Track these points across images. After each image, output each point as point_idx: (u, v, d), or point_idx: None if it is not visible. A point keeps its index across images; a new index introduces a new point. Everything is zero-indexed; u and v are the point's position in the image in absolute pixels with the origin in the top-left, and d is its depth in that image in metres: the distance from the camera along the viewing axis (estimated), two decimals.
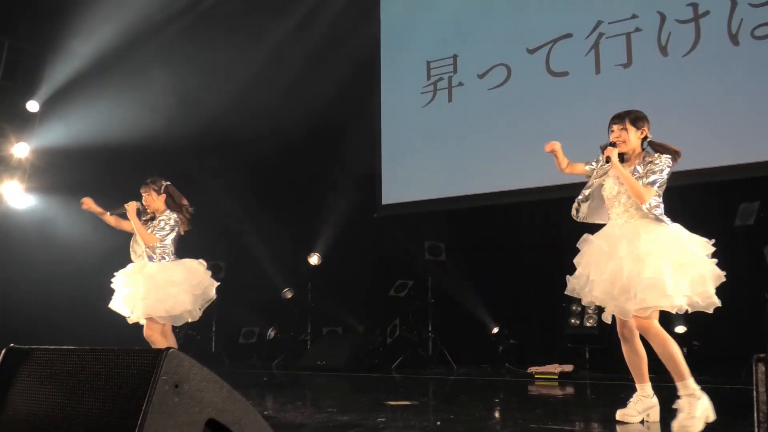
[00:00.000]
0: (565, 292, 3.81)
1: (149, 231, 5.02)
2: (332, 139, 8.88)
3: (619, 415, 3.66)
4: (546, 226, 7.61)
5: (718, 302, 3.41)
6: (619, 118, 3.70)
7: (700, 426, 3.32)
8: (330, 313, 8.67)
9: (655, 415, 3.66)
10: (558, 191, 7.43)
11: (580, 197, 3.85)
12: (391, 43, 8.79)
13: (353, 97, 8.82)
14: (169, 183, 5.18)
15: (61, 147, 8.78)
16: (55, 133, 8.82)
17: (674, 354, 3.40)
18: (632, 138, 3.67)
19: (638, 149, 3.69)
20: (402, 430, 3.69)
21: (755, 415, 1.62)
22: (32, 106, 8.73)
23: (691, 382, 3.39)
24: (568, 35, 7.53)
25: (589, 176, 3.86)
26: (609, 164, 3.64)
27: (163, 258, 5.05)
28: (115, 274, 5.18)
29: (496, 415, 4.56)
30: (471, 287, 7.91)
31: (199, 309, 5.10)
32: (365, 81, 8.82)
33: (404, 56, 8.62)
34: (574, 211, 3.88)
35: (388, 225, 8.54)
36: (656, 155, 3.62)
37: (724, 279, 3.44)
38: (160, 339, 4.97)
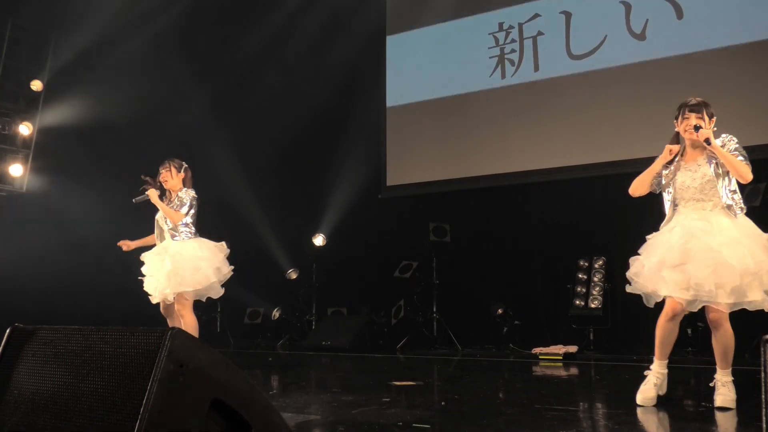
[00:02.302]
0: (628, 277, 3.72)
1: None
2: (338, 120, 8.86)
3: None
4: (551, 207, 7.59)
5: None
6: (697, 107, 3.62)
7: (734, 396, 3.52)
8: (335, 293, 8.69)
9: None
10: (563, 173, 7.42)
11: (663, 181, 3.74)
12: (397, 24, 8.71)
13: (360, 79, 8.79)
14: (187, 166, 5.26)
15: (66, 127, 8.76)
16: (60, 113, 8.79)
17: (732, 347, 3.51)
18: (708, 128, 3.61)
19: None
20: (406, 410, 3.70)
21: (762, 396, 1.61)
22: (36, 85, 8.69)
23: (730, 370, 3.54)
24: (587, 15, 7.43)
25: (661, 186, 3.78)
26: (678, 157, 3.64)
27: (188, 236, 5.11)
28: (142, 258, 5.26)
29: (501, 395, 4.56)
30: (475, 268, 7.91)
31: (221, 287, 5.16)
32: (371, 63, 8.77)
33: (410, 37, 8.55)
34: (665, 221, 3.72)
35: (393, 206, 8.52)
36: (722, 138, 3.58)
37: None
38: (189, 315, 5.02)
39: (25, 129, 8.58)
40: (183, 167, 5.21)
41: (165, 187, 5.19)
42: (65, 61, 8.73)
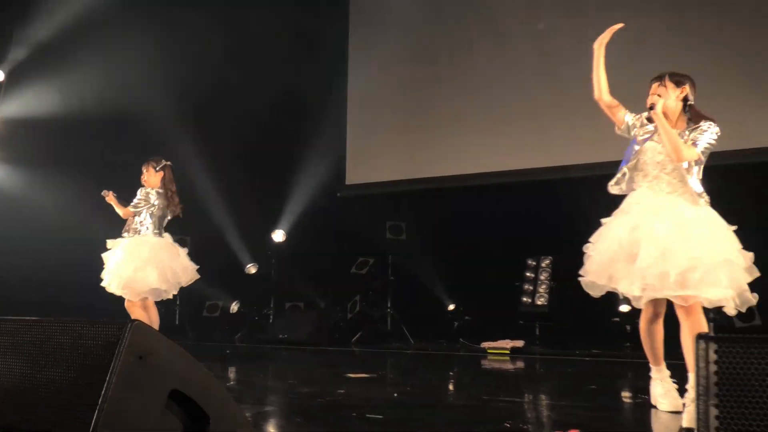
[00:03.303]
0: (581, 273, 3.21)
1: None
2: (300, 118, 8.80)
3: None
4: (502, 209, 7.66)
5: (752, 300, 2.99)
6: (658, 76, 3.20)
7: None
8: (293, 288, 8.63)
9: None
10: (513, 176, 7.52)
11: (627, 165, 3.22)
12: (360, 26, 8.70)
13: (322, 78, 8.74)
14: (169, 163, 5.21)
15: (28, 117, 8.51)
16: (22, 104, 8.54)
17: None
18: (671, 96, 3.15)
19: (679, 111, 3.18)
20: (361, 401, 3.70)
21: (696, 388, 1.67)
22: None
23: None
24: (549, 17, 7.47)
25: (622, 130, 3.31)
26: (653, 124, 3.11)
27: (137, 233, 5.02)
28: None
29: (451, 387, 4.60)
30: (429, 266, 7.95)
31: (167, 290, 5.06)
32: (334, 63, 8.74)
33: (372, 40, 8.55)
34: (613, 182, 3.25)
35: (352, 204, 8.51)
36: (706, 121, 3.12)
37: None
38: (138, 312, 4.93)
39: None
40: (161, 165, 5.17)
41: (146, 185, 5.16)
42: (27, 53, 8.49)
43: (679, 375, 3.15)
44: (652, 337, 3.19)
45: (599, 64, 3.29)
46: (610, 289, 3.14)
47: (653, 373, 3.25)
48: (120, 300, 5.16)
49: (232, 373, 5.15)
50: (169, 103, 8.79)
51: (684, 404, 2.94)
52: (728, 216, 3.11)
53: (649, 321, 3.18)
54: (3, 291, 7.75)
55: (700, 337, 1.70)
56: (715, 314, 5.91)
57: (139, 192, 5.12)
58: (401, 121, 8.22)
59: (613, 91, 3.31)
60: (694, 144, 3.05)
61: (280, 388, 4.24)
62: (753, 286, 3.00)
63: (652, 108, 3.08)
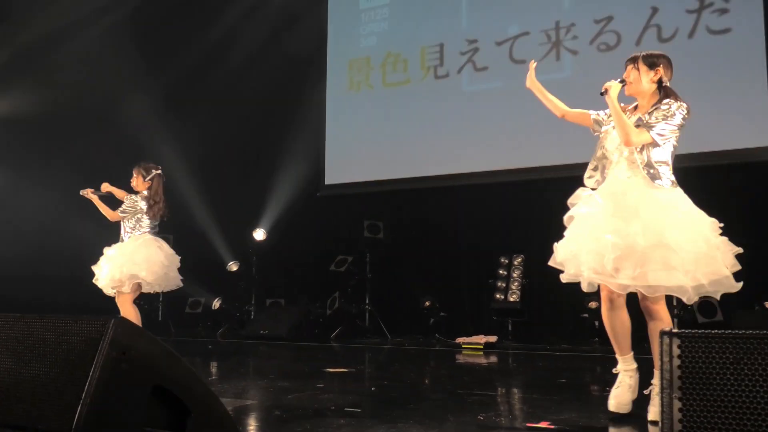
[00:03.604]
0: (550, 263, 3.03)
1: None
2: (280, 120, 8.78)
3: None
4: (476, 208, 7.70)
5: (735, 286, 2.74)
6: (632, 58, 2.99)
7: None
8: (273, 285, 8.60)
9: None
10: (487, 177, 7.55)
11: (595, 156, 3.09)
12: (338, 29, 8.68)
13: (302, 81, 8.72)
14: (159, 173, 5.17)
15: (9, 117, 8.39)
16: (3, 104, 8.41)
17: None
18: (643, 79, 2.94)
19: (652, 93, 2.97)
20: (339, 395, 3.70)
21: (660, 381, 1.69)
22: None
23: None
24: (526, 32, 7.52)
25: (597, 130, 3.14)
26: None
27: (125, 237, 5.08)
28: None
29: (426, 381, 4.62)
30: (406, 263, 7.97)
31: (156, 282, 5.02)
32: (313, 66, 8.72)
33: (350, 43, 8.54)
34: (587, 176, 3.10)
35: (330, 204, 8.50)
36: (669, 101, 2.91)
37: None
38: (128, 307, 4.92)
39: None
40: (150, 175, 5.12)
41: (135, 189, 5.16)
42: (9, 53, 8.36)
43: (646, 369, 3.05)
44: (612, 323, 2.93)
45: (542, 95, 3.27)
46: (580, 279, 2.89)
47: (621, 365, 2.99)
48: (107, 296, 5.10)
49: (213, 368, 5.12)
50: (153, 105, 8.72)
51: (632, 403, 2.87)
52: None
53: (607, 307, 2.93)
54: None
55: (663, 333, 1.73)
56: (679, 310, 6.02)
57: (126, 199, 5.07)
58: (377, 124, 8.23)
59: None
60: (648, 128, 2.85)
61: (260, 383, 4.22)
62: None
63: (604, 93, 2.93)
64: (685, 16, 6.70)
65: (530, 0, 7.53)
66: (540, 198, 6.80)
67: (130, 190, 5.15)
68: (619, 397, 2.93)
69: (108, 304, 5.09)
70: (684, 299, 2.74)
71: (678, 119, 2.87)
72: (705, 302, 5.80)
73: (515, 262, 7.26)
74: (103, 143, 8.45)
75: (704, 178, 5.84)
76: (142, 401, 1.88)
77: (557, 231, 3.28)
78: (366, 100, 8.37)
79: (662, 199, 2.83)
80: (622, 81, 2.96)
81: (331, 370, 4.87)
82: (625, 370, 2.96)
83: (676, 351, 1.68)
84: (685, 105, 2.89)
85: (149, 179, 5.10)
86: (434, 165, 7.80)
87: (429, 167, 7.84)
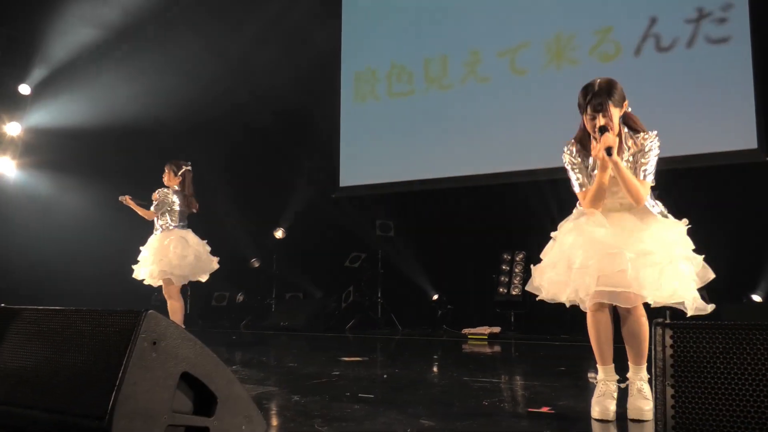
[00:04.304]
0: (528, 288, 2.94)
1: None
2: (298, 127, 8.80)
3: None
4: (480, 208, 7.68)
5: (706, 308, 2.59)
6: (598, 104, 2.60)
7: (651, 405, 2.53)
8: (292, 280, 8.62)
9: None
10: (490, 179, 7.53)
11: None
12: (352, 38, 8.67)
13: (318, 90, 8.72)
14: (188, 168, 5.17)
15: (52, 127, 8.46)
16: (46, 114, 8.48)
17: (647, 337, 2.61)
18: (616, 120, 2.64)
19: (619, 126, 2.69)
20: (354, 381, 3.70)
21: (653, 370, 1.68)
22: (24, 89, 8.36)
23: (645, 366, 2.66)
24: (527, 43, 7.49)
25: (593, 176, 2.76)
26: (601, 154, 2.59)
27: (156, 231, 5.13)
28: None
29: (434, 369, 4.61)
30: (415, 260, 7.96)
31: (192, 274, 5.06)
32: (328, 74, 8.71)
33: (365, 49, 8.52)
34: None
35: (345, 204, 8.51)
36: (643, 135, 2.66)
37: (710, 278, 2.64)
38: (176, 299, 4.98)
39: (12, 128, 8.25)
40: (181, 171, 5.14)
41: (166, 184, 5.19)
42: (49, 71, 8.43)
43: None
44: (597, 327, 2.64)
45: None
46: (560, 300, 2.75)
47: (601, 375, 2.68)
48: (140, 289, 5.16)
49: (237, 357, 5.14)
50: (177, 115, 8.75)
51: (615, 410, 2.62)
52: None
53: (593, 310, 2.65)
54: (32, 284, 7.71)
55: (657, 324, 1.71)
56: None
57: (157, 193, 5.08)
58: (387, 131, 8.22)
59: None
60: (645, 175, 2.63)
61: (280, 371, 4.23)
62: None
63: (609, 154, 2.55)
64: (683, 26, 6.52)
65: (531, 12, 7.49)
66: (540, 198, 6.76)
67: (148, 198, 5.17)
68: (603, 403, 2.63)
69: (142, 298, 5.14)
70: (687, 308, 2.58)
71: (657, 153, 2.66)
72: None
73: (517, 259, 7.23)
74: (137, 153, 8.50)
75: (699, 178, 5.87)
76: (172, 388, 1.89)
77: (555, 230, 3.25)
78: (375, 110, 8.37)
79: (655, 226, 2.63)
80: (603, 129, 2.58)
81: (346, 358, 4.87)
82: (610, 379, 2.68)
83: (669, 341, 1.67)
84: (657, 135, 2.67)
85: (180, 174, 5.13)
86: (441, 168, 7.79)
87: (436, 170, 7.82)
